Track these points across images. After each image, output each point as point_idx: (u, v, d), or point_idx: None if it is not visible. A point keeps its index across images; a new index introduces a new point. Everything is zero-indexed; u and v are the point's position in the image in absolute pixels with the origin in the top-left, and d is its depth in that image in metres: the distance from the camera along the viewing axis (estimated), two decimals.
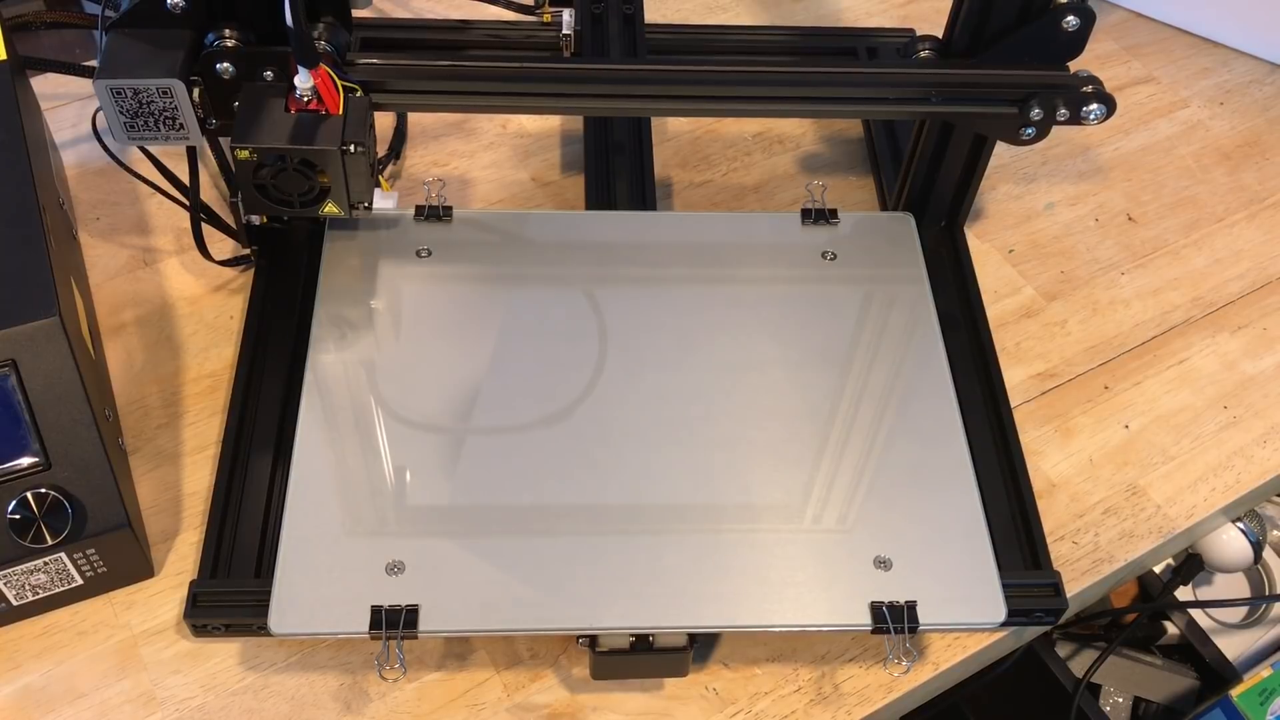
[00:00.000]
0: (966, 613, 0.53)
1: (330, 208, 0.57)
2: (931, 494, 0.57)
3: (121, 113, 0.54)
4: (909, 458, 0.58)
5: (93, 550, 0.54)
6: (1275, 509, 0.92)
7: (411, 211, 0.66)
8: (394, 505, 0.55)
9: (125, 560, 0.56)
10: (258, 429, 0.60)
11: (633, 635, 0.52)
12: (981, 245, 0.76)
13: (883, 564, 0.54)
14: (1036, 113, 0.61)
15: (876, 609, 0.52)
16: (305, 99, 0.55)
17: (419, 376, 0.59)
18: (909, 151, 0.68)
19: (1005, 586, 0.54)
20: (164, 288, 0.70)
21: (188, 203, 0.65)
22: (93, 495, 0.53)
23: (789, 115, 0.79)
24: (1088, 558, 0.62)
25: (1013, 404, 0.65)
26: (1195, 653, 0.92)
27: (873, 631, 0.52)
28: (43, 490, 0.52)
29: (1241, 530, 0.84)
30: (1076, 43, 0.60)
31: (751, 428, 0.58)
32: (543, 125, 0.81)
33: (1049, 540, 0.59)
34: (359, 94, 0.56)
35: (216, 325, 0.68)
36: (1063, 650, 0.93)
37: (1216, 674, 0.91)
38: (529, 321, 0.62)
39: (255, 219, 0.64)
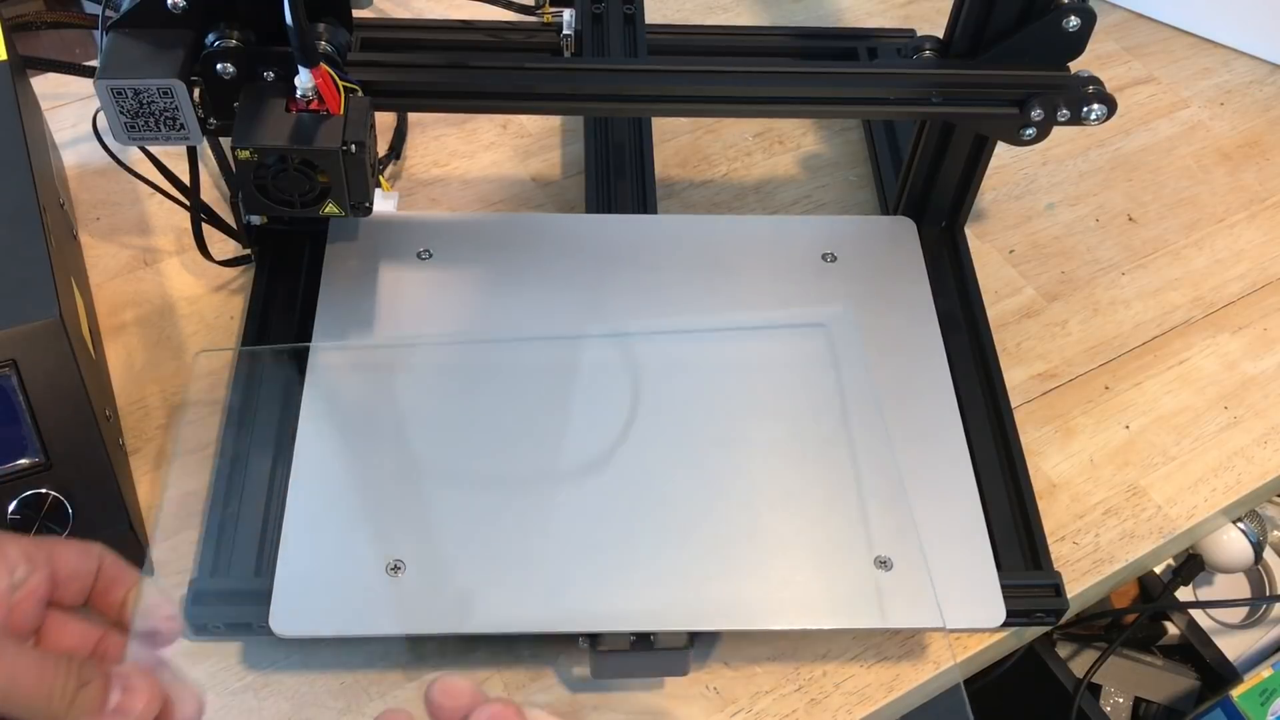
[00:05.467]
0: (966, 613, 0.53)
1: (330, 208, 0.57)
2: (932, 494, 0.57)
3: (122, 113, 0.54)
4: (909, 458, 0.58)
5: None
6: (1276, 509, 0.92)
7: (412, 212, 0.66)
8: (394, 505, 0.55)
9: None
10: (258, 429, 0.60)
11: (633, 635, 0.52)
12: (982, 245, 0.76)
13: (883, 564, 0.54)
14: (1037, 113, 0.61)
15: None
16: (306, 99, 0.54)
17: (418, 377, 0.59)
18: (909, 152, 0.68)
19: (1005, 587, 0.54)
20: (164, 288, 0.70)
21: (188, 203, 0.65)
22: (93, 495, 0.53)
23: (789, 115, 0.79)
24: (1088, 558, 0.62)
25: (1013, 404, 0.65)
26: (1196, 653, 0.92)
27: (873, 631, 0.52)
28: (43, 490, 0.52)
29: (1242, 531, 0.84)
30: (1077, 43, 0.60)
31: (752, 428, 0.58)
32: (543, 125, 0.81)
33: (1049, 541, 0.59)
34: (359, 94, 0.56)
35: (216, 325, 0.68)
36: (1063, 650, 0.93)
37: (1217, 674, 0.91)
38: (529, 323, 0.62)
39: (255, 219, 0.64)
